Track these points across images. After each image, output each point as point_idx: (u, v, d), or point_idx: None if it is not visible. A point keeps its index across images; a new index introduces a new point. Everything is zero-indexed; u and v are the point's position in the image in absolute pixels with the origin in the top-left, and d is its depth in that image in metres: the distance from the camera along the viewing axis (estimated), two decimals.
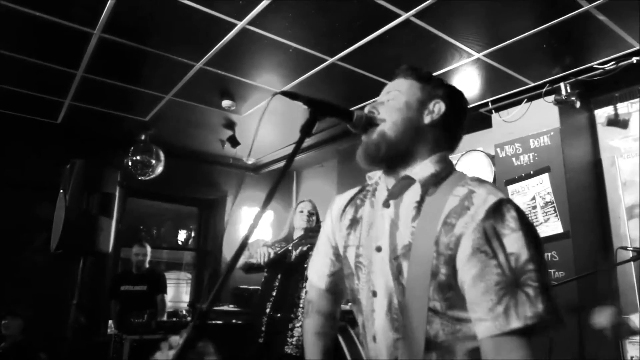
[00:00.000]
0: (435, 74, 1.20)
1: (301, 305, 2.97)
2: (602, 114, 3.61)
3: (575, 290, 3.04)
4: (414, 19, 2.75)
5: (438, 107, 1.12)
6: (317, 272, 1.32)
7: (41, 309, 4.24)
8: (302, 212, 3.28)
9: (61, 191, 2.94)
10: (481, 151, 4.09)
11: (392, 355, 1.03)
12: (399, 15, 2.73)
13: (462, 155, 4.16)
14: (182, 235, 8.49)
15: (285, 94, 1.02)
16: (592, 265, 3.26)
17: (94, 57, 3.33)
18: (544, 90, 3.50)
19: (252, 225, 0.84)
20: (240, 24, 2.86)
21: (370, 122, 1.11)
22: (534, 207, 3.48)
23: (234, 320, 4.40)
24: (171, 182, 5.36)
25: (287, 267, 3.13)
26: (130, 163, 4.77)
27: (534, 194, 3.51)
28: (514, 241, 0.90)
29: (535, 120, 3.61)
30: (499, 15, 2.74)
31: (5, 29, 3.05)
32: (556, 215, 3.35)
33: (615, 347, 3.20)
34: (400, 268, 1.01)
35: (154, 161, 4.82)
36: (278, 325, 2.98)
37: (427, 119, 1.11)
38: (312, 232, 3.12)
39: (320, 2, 2.64)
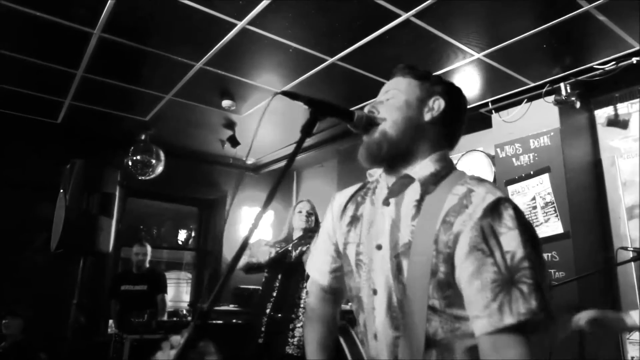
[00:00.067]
0: (435, 74, 1.20)
1: (302, 305, 2.97)
2: (602, 114, 3.61)
3: (576, 291, 3.04)
4: (414, 19, 2.76)
5: (438, 104, 1.12)
6: (319, 269, 1.31)
7: (41, 308, 4.24)
8: (300, 212, 3.28)
9: (61, 191, 2.94)
10: (481, 151, 4.09)
11: (393, 354, 1.03)
12: (399, 15, 2.73)
13: (462, 155, 4.16)
14: (182, 235, 8.49)
15: (286, 94, 1.02)
16: (592, 266, 3.26)
17: (94, 57, 3.33)
18: (544, 90, 3.50)
19: (253, 226, 0.84)
20: (240, 24, 2.86)
21: (371, 122, 1.12)
22: (534, 208, 3.48)
23: (234, 320, 4.40)
24: (171, 182, 5.36)
25: (287, 268, 3.14)
26: (130, 163, 4.78)
27: (534, 194, 3.51)
28: (510, 239, 0.91)
29: (536, 121, 3.61)
30: (499, 15, 2.74)
31: (5, 29, 3.05)
32: (556, 216, 3.35)
33: (615, 347, 3.21)
34: (400, 266, 1.01)
35: (154, 161, 4.82)
36: (278, 325, 2.98)
37: (427, 117, 1.12)
38: (311, 232, 3.12)
39: (320, 2, 2.64)
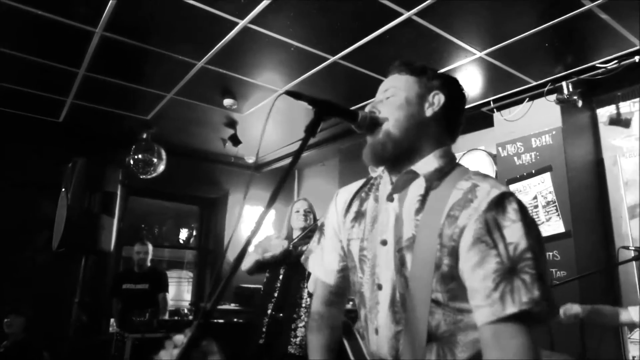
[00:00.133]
0: (432, 68, 1.20)
1: (303, 305, 2.97)
2: (604, 113, 3.61)
3: (577, 290, 3.04)
4: (415, 18, 2.75)
5: (438, 99, 1.13)
6: (326, 268, 1.29)
7: (43, 307, 4.24)
8: (298, 212, 3.25)
9: (63, 190, 2.94)
10: (483, 150, 4.08)
11: (394, 347, 1.04)
12: (400, 14, 2.72)
13: (464, 154, 4.16)
14: (183, 233, 8.50)
15: (290, 93, 1.02)
16: (593, 265, 3.26)
17: (95, 56, 3.34)
18: (545, 89, 3.50)
19: (257, 225, 0.84)
20: (241, 23, 2.86)
21: (374, 122, 1.12)
22: (536, 207, 3.47)
23: (235, 319, 4.41)
24: (173, 181, 5.36)
25: (289, 268, 3.13)
26: (132, 162, 4.78)
27: (536, 193, 3.51)
28: (514, 231, 0.91)
29: (537, 119, 3.61)
30: (501, 14, 2.74)
31: (7, 28, 3.05)
32: (558, 215, 3.35)
33: (616, 346, 3.21)
34: (404, 260, 1.02)
35: (155, 160, 4.83)
36: (280, 325, 2.97)
37: (428, 112, 1.12)
38: (310, 232, 3.11)
39: (321, 0, 2.63)
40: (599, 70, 3.22)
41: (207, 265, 6.13)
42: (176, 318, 4.66)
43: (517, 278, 0.88)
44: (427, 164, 1.09)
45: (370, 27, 2.90)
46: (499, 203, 0.94)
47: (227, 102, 4.06)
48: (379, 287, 1.08)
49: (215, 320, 4.26)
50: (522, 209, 0.95)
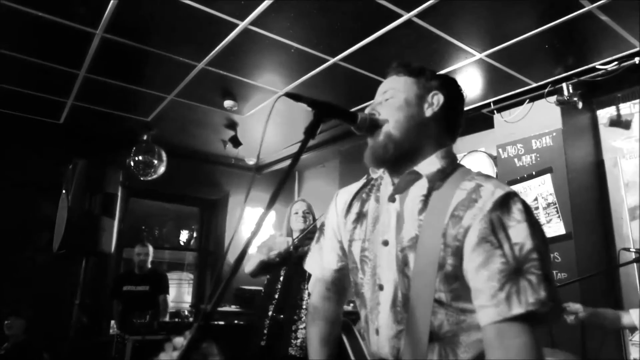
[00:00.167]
0: (430, 69, 1.20)
1: (304, 307, 2.97)
2: (605, 114, 3.61)
3: (578, 292, 3.03)
4: (415, 19, 2.75)
5: (437, 99, 1.13)
6: (323, 267, 1.31)
7: (43, 309, 4.25)
8: (297, 213, 3.25)
9: (63, 192, 2.94)
10: (483, 152, 4.09)
11: (395, 347, 1.04)
12: (400, 16, 2.73)
13: (464, 155, 4.16)
14: (184, 235, 8.50)
15: (289, 95, 1.02)
16: (594, 267, 3.26)
17: (96, 57, 3.34)
18: (546, 90, 3.50)
19: (257, 226, 0.84)
20: (242, 24, 2.87)
21: (374, 124, 1.12)
22: (536, 208, 3.47)
23: (236, 321, 4.40)
24: (173, 182, 5.36)
25: (289, 269, 3.13)
26: (132, 163, 4.78)
27: (536, 195, 3.50)
28: (519, 232, 0.92)
29: (538, 121, 3.61)
30: (501, 16, 2.74)
31: (8, 29, 3.06)
32: (558, 216, 3.35)
33: (617, 349, 3.20)
34: (407, 260, 1.02)
35: (156, 161, 4.83)
36: (281, 327, 2.97)
37: (428, 112, 1.12)
38: (310, 233, 3.10)
39: (321, 2, 2.64)
40: (599, 72, 3.22)
41: (208, 266, 6.13)
42: (177, 320, 4.66)
43: (523, 279, 0.88)
44: (430, 164, 1.09)
45: (370, 28, 2.90)
46: (504, 203, 0.94)
47: (227, 103, 4.07)
48: (380, 287, 1.08)
49: (216, 322, 4.26)
50: (527, 209, 0.95)
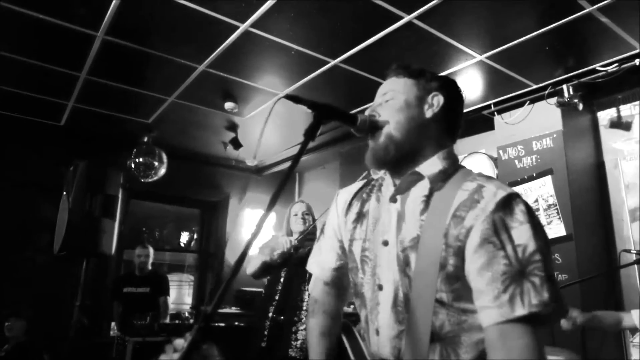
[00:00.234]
0: (431, 71, 1.21)
1: (304, 308, 2.97)
2: (605, 116, 3.61)
3: (579, 293, 3.03)
4: (416, 21, 2.76)
5: (437, 100, 1.13)
6: (323, 266, 1.31)
7: (44, 310, 4.25)
8: (296, 215, 3.23)
9: (64, 194, 2.95)
10: (484, 153, 4.08)
11: (396, 347, 1.04)
12: (401, 18, 2.73)
13: (465, 157, 4.16)
14: (184, 237, 8.50)
15: (289, 97, 1.02)
16: (595, 268, 3.25)
17: (97, 60, 3.35)
18: (546, 92, 3.50)
19: (257, 228, 0.84)
20: (242, 27, 2.87)
21: (374, 126, 1.12)
22: (537, 210, 3.47)
23: (236, 323, 4.40)
24: (174, 184, 5.37)
25: (289, 270, 3.13)
26: (133, 165, 4.79)
27: (537, 197, 3.50)
28: (522, 233, 0.92)
29: (538, 123, 3.61)
30: (501, 17, 2.74)
31: (10, 32, 3.06)
32: (559, 218, 3.35)
33: (618, 350, 3.20)
34: (408, 260, 1.02)
35: (156, 163, 4.83)
36: (281, 328, 2.97)
37: (428, 113, 1.13)
38: (310, 235, 3.10)
39: (322, 4, 2.64)
40: (600, 74, 3.22)
41: (208, 268, 6.13)
42: (177, 322, 4.65)
43: (527, 280, 0.89)
44: (432, 165, 1.10)
45: (371, 30, 2.90)
46: (506, 204, 0.94)
47: (228, 105, 4.07)
48: (380, 287, 1.08)
49: (216, 324, 4.26)
50: (529, 210, 0.95)
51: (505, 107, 3.83)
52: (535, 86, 3.56)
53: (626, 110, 3.48)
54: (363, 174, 1.34)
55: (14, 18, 2.82)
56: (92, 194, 2.89)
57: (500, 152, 3.82)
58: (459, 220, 0.97)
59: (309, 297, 2.94)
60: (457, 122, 1.19)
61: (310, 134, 0.99)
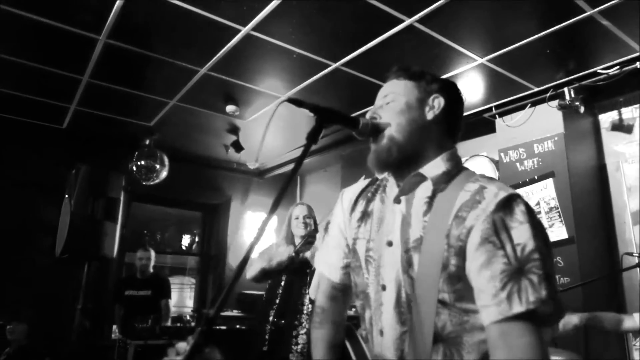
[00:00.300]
0: (429, 73, 1.21)
1: (305, 312, 2.96)
2: (607, 118, 3.61)
3: (581, 296, 3.02)
4: (417, 25, 2.76)
5: (438, 102, 1.14)
6: (331, 265, 1.30)
7: (45, 313, 4.25)
8: (297, 218, 3.20)
9: (66, 196, 2.96)
10: (485, 156, 4.08)
11: (399, 349, 1.04)
12: (402, 21, 2.74)
13: (466, 160, 4.16)
14: (186, 240, 8.51)
15: (291, 101, 1.02)
16: (597, 271, 3.25)
17: (99, 63, 3.36)
18: (547, 95, 3.50)
19: (260, 231, 0.84)
20: (244, 30, 2.88)
21: (376, 128, 1.12)
22: (539, 213, 3.46)
23: (238, 326, 4.40)
24: (175, 187, 5.37)
25: (290, 274, 3.12)
26: (134, 168, 4.79)
27: (539, 199, 3.50)
28: (521, 232, 0.93)
29: (539, 125, 3.61)
30: (503, 20, 2.75)
31: (14, 36, 3.07)
32: (561, 221, 3.34)
33: (621, 352, 3.19)
34: (411, 261, 1.03)
35: (158, 166, 4.84)
36: (282, 332, 2.96)
37: (429, 115, 1.13)
38: (311, 238, 3.09)
39: (323, 7, 2.65)
40: (601, 76, 3.22)
41: (210, 271, 6.13)
42: (179, 325, 4.65)
43: (525, 278, 0.89)
44: (435, 167, 1.10)
45: (372, 33, 2.91)
46: (507, 205, 0.95)
47: (229, 108, 4.08)
48: (383, 287, 1.09)
49: (218, 327, 4.26)
50: (530, 211, 0.96)
51: (507, 110, 3.83)
52: (536, 89, 3.56)
53: (628, 112, 3.48)
54: (361, 177, 1.35)
55: (17, 22, 2.84)
56: (94, 197, 2.90)
57: (502, 154, 3.82)
58: (460, 221, 0.97)
59: (309, 301, 2.95)
60: (458, 124, 1.19)
61: (312, 137, 1.00)
